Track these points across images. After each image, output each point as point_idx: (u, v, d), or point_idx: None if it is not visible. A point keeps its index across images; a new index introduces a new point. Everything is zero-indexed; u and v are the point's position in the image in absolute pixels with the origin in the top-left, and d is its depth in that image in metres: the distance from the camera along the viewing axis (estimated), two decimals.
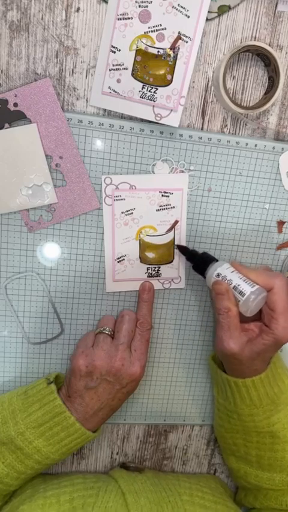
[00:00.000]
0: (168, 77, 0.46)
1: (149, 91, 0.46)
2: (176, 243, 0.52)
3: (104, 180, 0.49)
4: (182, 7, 0.44)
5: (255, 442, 0.51)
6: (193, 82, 0.48)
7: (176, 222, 0.52)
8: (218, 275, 0.46)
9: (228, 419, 0.52)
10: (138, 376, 0.49)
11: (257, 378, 0.47)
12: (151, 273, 0.53)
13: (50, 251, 0.51)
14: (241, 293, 0.45)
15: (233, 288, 0.45)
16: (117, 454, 0.61)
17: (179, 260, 0.53)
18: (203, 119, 0.50)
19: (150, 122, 0.48)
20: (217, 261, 0.49)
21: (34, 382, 0.50)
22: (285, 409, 0.49)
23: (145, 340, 0.50)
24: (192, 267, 0.50)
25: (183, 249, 0.51)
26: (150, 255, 0.52)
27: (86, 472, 0.60)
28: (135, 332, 0.51)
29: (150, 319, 0.52)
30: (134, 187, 0.50)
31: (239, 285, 0.45)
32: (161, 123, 0.47)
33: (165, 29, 0.44)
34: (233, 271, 0.46)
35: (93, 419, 0.49)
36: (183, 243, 0.53)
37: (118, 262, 0.52)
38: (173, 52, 0.45)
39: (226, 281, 0.46)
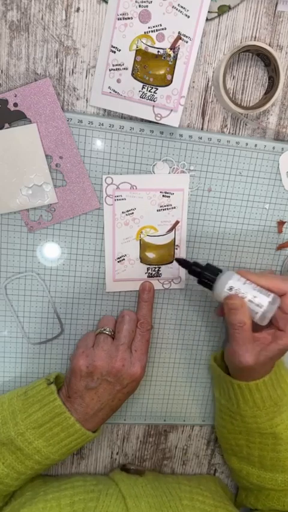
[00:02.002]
0: (168, 77, 0.46)
1: (149, 91, 0.46)
2: (176, 256, 0.52)
3: (105, 179, 0.49)
4: (182, 7, 0.44)
5: (257, 443, 0.51)
6: (193, 82, 0.48)
7: (177, 222, 0.51)
8: (231, 288, 0.44)
9: (230, 421, 0.52)
10: (138, 377, 0.49)
11: (260, 381, 0.47)
12: (151, 273, 0.53)
13: (50, 251, 0.51)
14: (258, 305, 0.44)
15: (249, 301, 0.44)
16: (117, 454, 0.61)
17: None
18: (203, 119, 0.50)
19: (150, 122, 0.48)
20: (221, 271, 0.46)
21: (34, 382, 0.50)
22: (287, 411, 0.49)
23: (145, 340, 0.50)
24: (197, 282, 0.47)
25: (183, 263, 0.49)
26: (150, 255, 0.52)
27: (86, 473, 0.60)
28: (135, 332, 0.50)
29: (150, 319, 0.52)
30: (135, 187, 0.50)
31: (255, 297, 0.44)
32: (161, 123, 0.47)
33: (165, 29, 0.44)
34: (245, 283, 0.44)
35: (93, 419, 0.48)
36: (183, 248, 0.52)
37: (118, 262, 0.52)
38: (173, 52, 0.45)
39: (240, 294, 0.44)
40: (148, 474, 0.57)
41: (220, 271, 0.46)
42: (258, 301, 0.43)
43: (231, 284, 0.44)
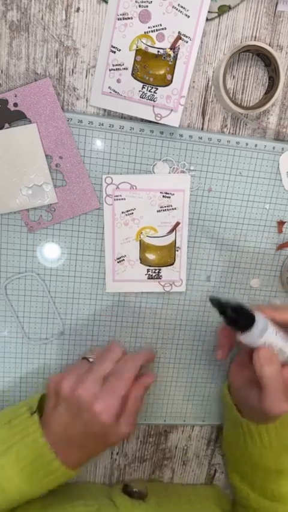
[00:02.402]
0: (168, 76, 0.46)
1: (149, 91, 0.46)
2: (176, 257, 0.52)
3: (105, 179, 0.49)
4: (182, 7, 0.44)
5: (261, 473, 0.51)
6: (193, 82, 0.48)
7: (178, 223, 0.51)
8: (266, 342, 0.42)
9: (237, 449, 0.52)
10: (102, 420, 0.43)
11: (271, 426, 0.46)
12: (151, 275, 0.53)
13: (50, 251, 0.51)
14: (284, 353, 0.44)
15: (279, 350, 0.43)
16: (117, 454, 0.61)
17: (181, 263, 0.53)
18: (203, 118, 0.50)
19: (150, 122, 0.48)
20: (254, 318, 0.43)
21: (18, 408, 0.47)
22: None
23: (140, 395, 0.47)
24: (226, 322, 0.43)
25: (217, 304, 0.43)
26: (150, 256, 0.52)
27: (88, 484, 0.58)
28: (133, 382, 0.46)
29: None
30: (134, 187, 0.50)
31: (282, 347, 0.43)
32: (161, 123, 0.47)
33: (165, 29, 0.44)
34: (276, 333, 0.43)
35: (68, 450, 0.45)
36: (184, 250, 0.52)
37: (118, 262, 0.52)
38: (173, 52, 0.45)
39: (273, 345, 0.43)
40: (151, 497, 0.55)
41: (253, 316, 0.42)
42: (285, 350, 0.43)
43: (267, 336, 0.42)
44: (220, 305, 0.42)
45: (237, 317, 0.42)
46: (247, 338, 0.42)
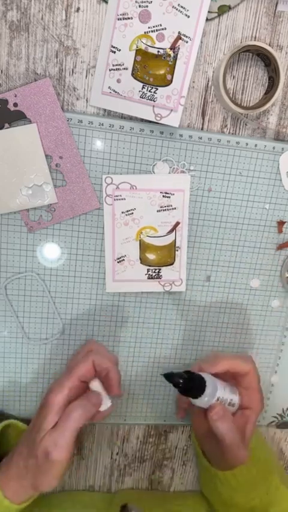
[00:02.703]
0: (168, 77, 0.46)
1: (149, 91, 0.46)
2: (176, 257, 0.52)
3: (105, 179, 0.49)
4: (182, 7, 0.44)
5: (235, 511, 0.52)
6: (193, 82, 0.48)
7: (177, 223, 0.51)
8: (218, 399, 0.46)
9: (210, 492, 0.55)
10: (49, 398, 0.42)
11: (237, 471, 0.48)
12: (151, 275, 0.53)
13: (50, 251, 0.51)
14: (234, 405, 0.48)
15: (229, 402, 0.47)
16: (117, 454, 0.61)
17: (181, 262, 0.53)
18: (203, 119, 0.50)
19: (150, 122, 0.48)
20: (205, 381, 0.45)
21: None
22: (261, 484, 0.50)
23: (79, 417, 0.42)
24: (180, 392, 0.45)
25: (169, 378, 0.45)
26: (150, 256, 0.52)
27: (82, 504, 0.58)
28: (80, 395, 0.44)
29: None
30: (134, 187, 0.50)
31: (231, 399, 0.47)
32: (161, 123, 0.47)
33: (165, 29, 0.44)
34: (224, 388, 0.47)
35: (8, 479, 0.42)
36: (184, 250, 0.52)
37: (118, 262, 0.52)
38: (173, 52, 0.45)
39: (223, 401, 0.47)
40: None
41: (203, 386, 0.45)
42: (233, 399, 0.48)
43: (219, 395, 0.46)
44: (172, 378, 0.44)
45: (190, 388, 0.45)
46: (199, 403, 0.46)
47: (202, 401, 0.46)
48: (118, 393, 0.46)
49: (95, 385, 0.46)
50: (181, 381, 0.44)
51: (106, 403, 0.46)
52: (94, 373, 0.46)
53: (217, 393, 0.46)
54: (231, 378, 0.49)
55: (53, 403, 0.42)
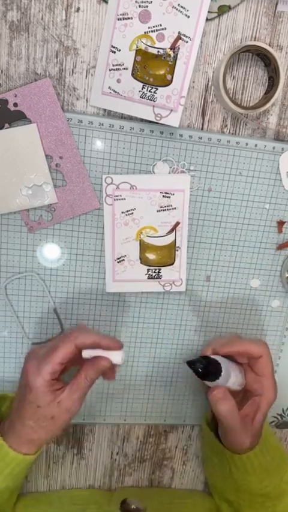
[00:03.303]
0: (168, 77, 0.46)
1: (149, 91, 0.46)
2: (176, 258, 0.52)
3: (105, 179, 0.49)
4: (182, 7, 0.44)
5: (247, 500, 0.52)
6: (193, 82, 0.48)
7: (177, 223, 0.51)
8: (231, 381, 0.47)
9: (222, 479, 0.54)
10: (29, 383, 0.43)
11: (252, 453, 0.48)
12: (151, 275, 0.53)
13: (50, 251, 0.51)
14: (240, 385, 0.48)
15: (238, 384, 0.47)
16: (117, 454, 0.61)
17: (181, 262, 0.53)
18: (203, 119, 0.50)
19: (150, 122, 0.48)
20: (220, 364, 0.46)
21: None
22: (276, 472, 0.50)
23: (91, 375, 0.44)
24: (198, 376, 0.46)
25: (191, 365, 0.46)
26: (150, 256, 0.52)
27: (83, 499, 0.58)
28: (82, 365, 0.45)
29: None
30: (134, 187, 0.50)
31: (240, 380, 0.48)
32: (161, 123, 0.47)
33: (165, 29, 0.44)
34: (235, 370, 0.47)
35: (14, 432, 0.45)
36: (184, 250, 0.52)
37: (118, 262, 0.52)
38: (173, 52, 0.45)
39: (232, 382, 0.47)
40: None
41: (219, 365, 0.46)
42: (241, 380, 0.48)
43: (232, 377, 0.46)
44: (194, 365, 0.46)
45: (208, 373, 0.46)
46: (215, 385, 0.46)
47: (218, 383, 0.46)
48: (118, 347, 0.45)
49: (87, 353, 0.45)
50: (201, 367, 0.45)
51: (115, 357, 0.45)
52: (76, 353, 0.44)
53: (231, 376, 0.46)
54: (239, 361, 0.49)
55: (35, 387, 0.42)
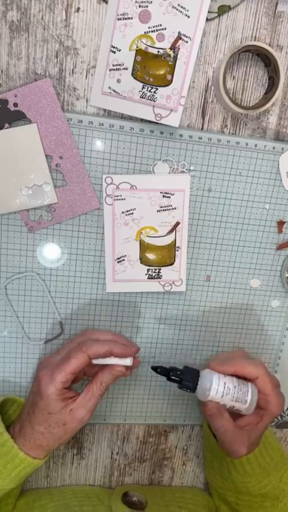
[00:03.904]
0: (168, 77, 0.46)
1: (149, 91, 0.46)
2: (175, 259, 0.52)
3: (105, 179, 0.49)
4: (182, 7, 0.44)
5: (246, 500, 0.52)
6: (193, 82, 0.48)
7: (178, 223, 0.51)
8: (222, 395, 0.46)
9: (221, 480, 0.54)
10: (42, 389, 0.44)
11: (251, 456, 0.49)
12: (151, 275, 0.53)
13: (50, 251, 0.51)
14: (242, 402, 0.47)
15: (231, 400, 0.46)
16: (117, 454, 0.61)
17: (181, 262, 0.53)
18: (203, 119, 0.50)
19: (150, 122, 0.48)
20: (199, 373, 0.48)
21: None
22: (275, 472, 0.51)
23: (106, 381, 0.46)
24: (177, 387, 0.48)
25: (161, 371, 0.48)
26: (150, 256, 0.52)
27: (85, 499, 0.58)
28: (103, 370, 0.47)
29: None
30: (134, 187, 0.50)
31: (236, 396, 0.47)
32: (161, 123, 0.47)
33: (165, 29, 0.44)
34: (224, 383, 0.47)
35: (25, 436, 0.45)
36: (184, 250, 0.52)
37: (118, 262, 0.52)
38: (173, 52, 0.45)
39: (221, 398, 0.46)
40: (151, 507, 0.55)
41: (197, 372, 0.48)
42: (241, 397, 0.47)
43: (214, 387, 0.46)
44: (164, 370, 0.48)
45: (180, 380, 0.47)
46: (201, 397, 0.47)
47: (202, 395, 0.47)
48: (133, 353, 0.46)
49: (100, 361, 0.45)
50: (171, 373, 0.47)
51: (126, 361, 0.46)
52: (88, 362, 0.45)
53: (212, 388, 0.46)
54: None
55: (46, 395, 0.43)
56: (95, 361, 0.45)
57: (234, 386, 0.47)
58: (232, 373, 0.48)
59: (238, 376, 0.48)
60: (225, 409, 0.47)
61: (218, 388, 0.46)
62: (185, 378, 0.47)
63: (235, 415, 0.48)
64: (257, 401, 0.47)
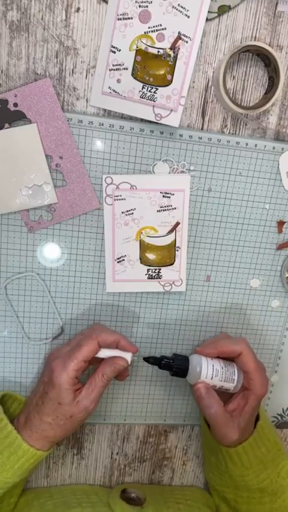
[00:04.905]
0: (168, 77, 0.46)
1: (149, 91, 0.46)
2: (176, 257, 0.52)
3: (105, 179, 0.49)
4: (182, 7, 0.44)
5: (245, 497, 0.52)
6: (193, 82, 0.48)
7: (178, 223, 0.51)
8: (212, 377, 0.48)
9: (219, 477, 0.55)
10: (55, 378, 0.44)
11: (246, 444, 0.49)
12: (151, 275, 0.53)
13: (50, 251, 0.51)
14: (230, 381, 0.49)
15: (220, 380, 0.49)
16: (117, 454, 0.61)
17: (181, 262, 0.53)
18: (203, 119, 0.50)
19: (150, 122, 0.48)
20: (188, 359, 0.50)
21: None
22: (272, 466, 0.51)
23: (108, 373, 0.47)
24: (170, 374, 0.51)
25: (152, 361, 0.50)
26: (150, 256, 0.52)
27: (84, 496, 0.58)
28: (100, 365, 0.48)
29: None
30: (134, 187, 0.50)
31: (228, 377, 0.49)
32: (161, 123, 0.47)
33: (165, 29, 0.44)
34: (213, 365, 0.49)
35: (30, 428, 0.46)
36: (184, 250, 0.52)
37: (118, 262, 0.52)
38: (173, 52, 0.45)
39: (211, 379, 0.48)
40: (149, 503, 0.55)
41: (187, 358, 0.50)
42: (229, 377, 0.49)
43: (204, 369, 0.48)
44: (155, 360, 0.50)
45: (171, 367, 0.50)
46: (190, 379, 0.50)
47: (193, 379, 0.49)
48: (134, 351, 0.49)
49: (102, 353, 0.47)
50: (162, 362, 0.50)
51: (127, 357, 0.48)
52: (98, 350, 0.47)
53: (202, 371, 0.48)
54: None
55: (58, 384, 0.44)
56: (100, 354, 0.47)
57: (222, 367, 0.49)
58: (218, 355, 0.49)
59: (224, 358, 0.50)
60: (213, 389, 0.48)
61: (207, 371, 0.48)
62: (176, 364, 0.49)
63: (223, 399, 0.49)
64: (243, 383, 0.49)
